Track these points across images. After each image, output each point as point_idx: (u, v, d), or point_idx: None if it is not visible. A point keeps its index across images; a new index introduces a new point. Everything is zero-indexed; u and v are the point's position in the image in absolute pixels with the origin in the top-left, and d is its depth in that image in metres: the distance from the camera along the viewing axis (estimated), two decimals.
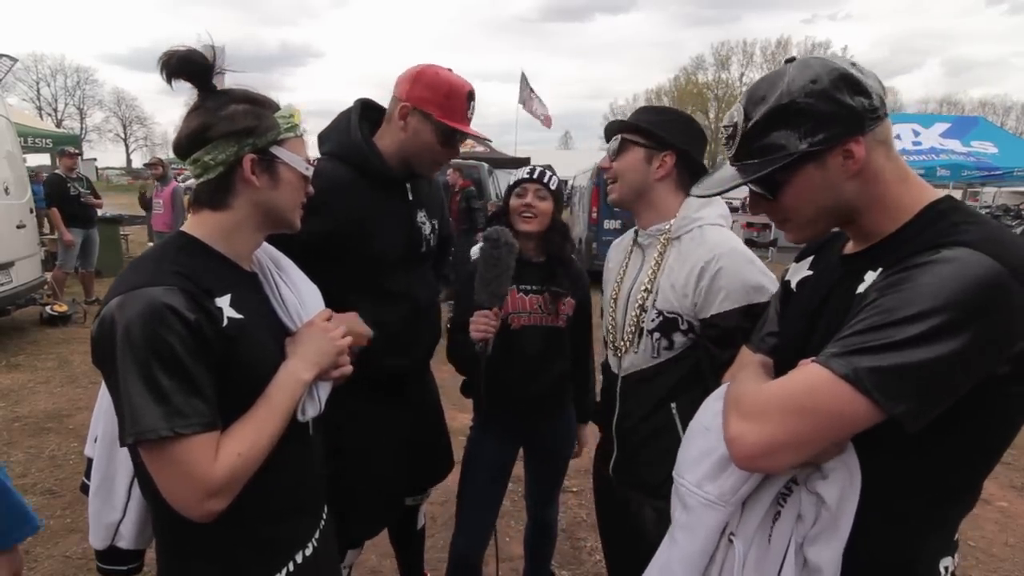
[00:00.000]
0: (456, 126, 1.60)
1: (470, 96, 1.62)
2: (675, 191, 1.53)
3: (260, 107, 1.04)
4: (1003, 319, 0.75)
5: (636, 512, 1.59)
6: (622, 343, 1.56)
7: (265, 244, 1.19)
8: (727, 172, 1.00)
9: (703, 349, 1.43)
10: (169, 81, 0.99)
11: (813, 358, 0.82)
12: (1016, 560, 2.82)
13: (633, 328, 1.52)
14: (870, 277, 0.86)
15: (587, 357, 2.13)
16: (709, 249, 1.42)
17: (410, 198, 1.73)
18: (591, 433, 2.03)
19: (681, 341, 1.46)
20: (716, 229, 1.48)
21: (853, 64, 0.89)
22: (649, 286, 1.50)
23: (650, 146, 1.50)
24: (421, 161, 1.65)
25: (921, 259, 0.78)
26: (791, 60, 0.93)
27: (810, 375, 0.81)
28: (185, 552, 1.04)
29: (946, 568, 0.90)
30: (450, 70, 1.64)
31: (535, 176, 1.88)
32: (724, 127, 0.99)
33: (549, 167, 2.00)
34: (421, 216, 1.76)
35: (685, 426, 1.39)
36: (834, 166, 0.89)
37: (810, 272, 1.07)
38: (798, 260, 1.13)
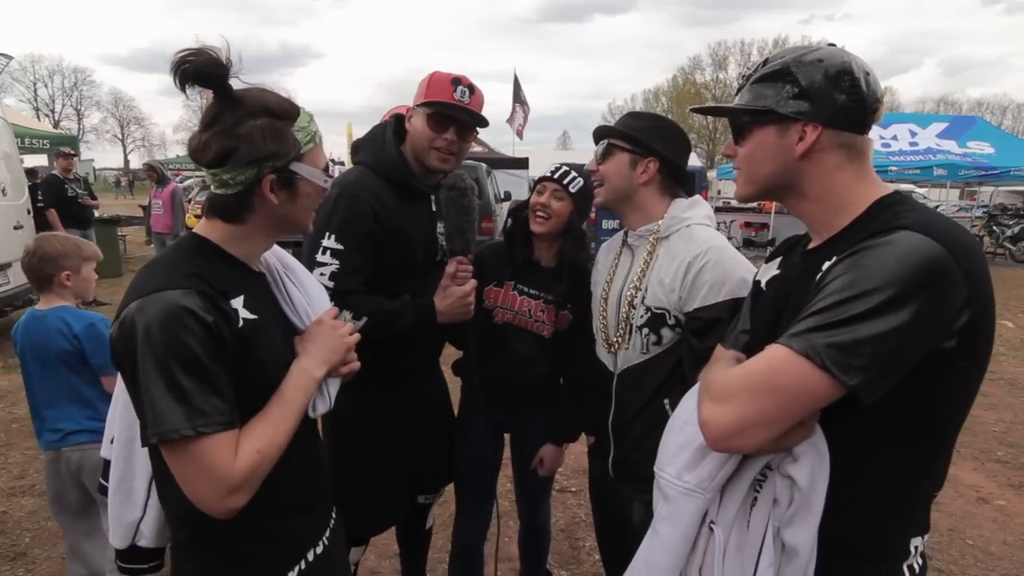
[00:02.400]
0: (432, 99, 1.65)
1: (455, 81, 1.66)
2: (660, 194, 1.59)
3: (279, 120, 1.02)
4: (944, 292, 0.81)
5: (632, 508, 1.61)
6: (615, 339, 1.60)
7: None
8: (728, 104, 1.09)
9: (685, 341, 1.48)
10: (182, 87, 0.97)
11: (775, 341, 0.88)
12: (1014, 558, 2.82)
13: (624, 325, 1.57)
14: (826, 267, 0.91)
15: (578, 369, 1.89)
16: (697, 245, 1.47)
17: (433, 209, 1.81)
18: (557, 454, 1.96)
19: (669, 336, 1.50)
20: (703, 228, 1.53)
21: (868, 73, 0.95)
22: (639, 284, 1.55)
23: (635, 152, 1.55)
24: (423, 152, 1.69)
25: (867, 243, 0.85)
26: (832, 45, 1.01)
27: (771, 355, 0.87)
28: (200, 551, 1.06)
29: (916, 547, 0.95)
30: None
31: (556, 175, 1.82)
32: (749, 66, 1.07)
33: (577, 168, 1.87)
34: (440, 227, 1.82)
35: None
36: (790, 139, 0.97)
37: (778, 271, 1.12)
38: (768, 261, 1.19)
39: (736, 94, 1.06)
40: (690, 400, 1.08)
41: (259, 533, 1.07)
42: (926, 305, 0.80)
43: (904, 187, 13.38)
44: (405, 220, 1.71)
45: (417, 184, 1.73)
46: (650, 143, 1.54)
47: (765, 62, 1.02)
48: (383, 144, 1.72)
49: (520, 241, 1.90)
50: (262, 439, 0.98)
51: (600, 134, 1.63)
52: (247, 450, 0.95)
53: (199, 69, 0.95)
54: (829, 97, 0.94)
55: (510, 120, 17.37)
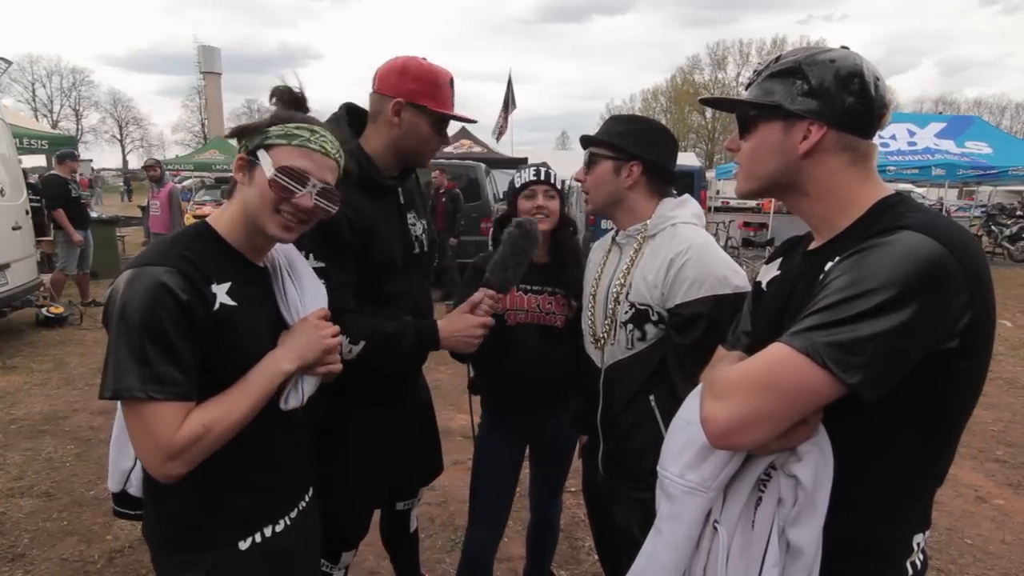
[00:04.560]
0: (450, 114, 1.64)
1: (451, 83, 1.66)
2: (648, 195, 1.60)
3: (283, 106, 1.18)
4: (945, 292, 0.81)
5: (623, 505, 1.62)
6: (602, 335, 1.62)
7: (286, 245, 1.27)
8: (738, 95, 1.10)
9: (668, 337, 1.50)
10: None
11: (777, 339, 0.88)
12: (1012, 557, 2.83)
13: (610, 321, 1.59)
14: (828, 267, 0.92)
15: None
16: (680, 243, 1.49)
17: (401, 201, 1.74)
18: None
19: (653, 332, 1.52)
20: (689, 227, 1.55)
21: (878, 79, 0.96)
22: (624, 280, 1.57)
23: (617, 158, 1.57)
24: (418, 154, 1.67)
25: (869, 243, 0.85)
26: (845, 47, 1.01)
27: (772, 353, 0.87)
28: (159, 504, 1.15)
29: (918, 544, 0.96)
30: (424, 58, 1.64)
31: (542, 177, 1.89)
32: (761, 62, 1.08)
33: (544, 164, 1.98)
34: (411, 218, 1.77)
35: (664, 417, 1.47)
36: (794, 137, 0.97)
37: (779, 272, 1.12)
38: (768, 262, 1.19)
39: (746, 88, 1.06)
40: (693, 400, 1.08)
41: (208, 502, 1.14)
42: (927, 305, 0.80)
43: (902, 187, 13.42)
44: (378, 221, 1.62)
45: (382, 179, 1.63)
46: (629, 147, 1.56)
47: (778, 59, 1.02)
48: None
49: None
50: (211, 415, 1.04)
51: (583, 143, 1.65)
52: (193, 422, 1.02)
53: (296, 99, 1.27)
54: (837, 98, 0.94)
55: (502, 129, 17.35)
